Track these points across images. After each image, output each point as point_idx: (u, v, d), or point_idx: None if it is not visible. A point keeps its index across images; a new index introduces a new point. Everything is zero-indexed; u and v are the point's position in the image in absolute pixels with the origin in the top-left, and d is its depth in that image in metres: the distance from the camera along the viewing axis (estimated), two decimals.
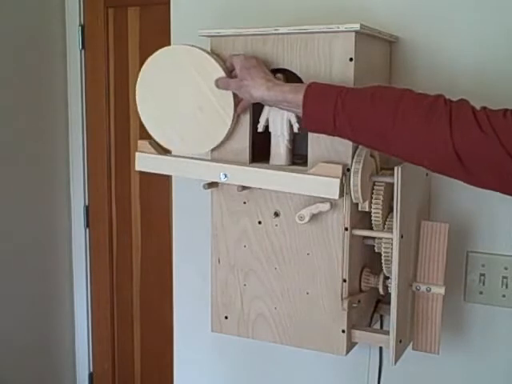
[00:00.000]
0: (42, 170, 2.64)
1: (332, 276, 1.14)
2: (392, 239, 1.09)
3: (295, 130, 1.15)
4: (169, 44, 1.50)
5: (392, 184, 1.09)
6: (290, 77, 1.15)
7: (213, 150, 1.20)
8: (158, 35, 2.49)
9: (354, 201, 1.10)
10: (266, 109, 1.17)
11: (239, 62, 1.10)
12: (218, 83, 1.13)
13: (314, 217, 1.13)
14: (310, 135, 1.12)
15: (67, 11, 2.68)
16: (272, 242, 1.19)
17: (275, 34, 1.13)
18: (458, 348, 1.30)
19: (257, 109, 1.17)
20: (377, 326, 1.29)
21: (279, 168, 1.14)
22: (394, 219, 1.08)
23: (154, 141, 1.22)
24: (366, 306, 1.23)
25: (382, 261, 1.15)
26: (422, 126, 0.89)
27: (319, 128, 1.00)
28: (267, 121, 1.17)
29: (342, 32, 1.08)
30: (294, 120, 1.15)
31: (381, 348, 1.29)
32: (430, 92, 0.93)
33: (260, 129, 1.18)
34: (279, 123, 1.16)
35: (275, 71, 1.15)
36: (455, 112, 0.87)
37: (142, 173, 1.26)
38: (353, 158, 1.09)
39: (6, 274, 2.48)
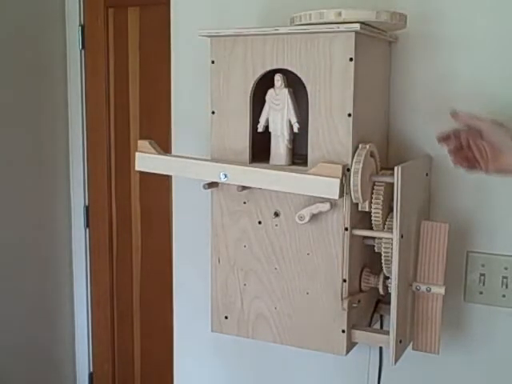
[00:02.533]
0: (42, 169, 2.64)
1: (332, 276, 1.14)
2: (392, 239, 1.09)
3: (295, 129, 1.15)
4: (168, 43, 1.50)
5: (392, 184, 1.08)
6: (290, 77, 1.15)
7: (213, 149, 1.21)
8: (157, 35, 2.51)
9: (354, 201, 1.10)
10: (266, 109, 1.17)
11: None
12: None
13: (314, 217, 1.13)
14: (310, 135, 1.12)
15: (67, 11, 2.69)
16: (272, 242, 1.19)
17: (275, 33, 1.13)
18: (458, 348, 1.30)
19: (257, 109, 1.17)
20: (377, 326, 1.29)
21: (279, 168, 1.14)
22: (394, 219, 1.08)
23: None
24: (366, 305, 1.23)
25: (382, 261, 1.15)
26: None
27: None
28: (267, 121, 1.17)
29: (342, 32, 1.08)
30: (293, 120, 1.15)
31: (381, 348, 1.29)
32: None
33: (260, 129, 1.18)
34: (279, 123, 1.16)
35: (275, 71, 1.15)
36: None
37: (142, 173, 1.26)
38: (353, 158, 1.09)
39: (6, 273, 2.48)
